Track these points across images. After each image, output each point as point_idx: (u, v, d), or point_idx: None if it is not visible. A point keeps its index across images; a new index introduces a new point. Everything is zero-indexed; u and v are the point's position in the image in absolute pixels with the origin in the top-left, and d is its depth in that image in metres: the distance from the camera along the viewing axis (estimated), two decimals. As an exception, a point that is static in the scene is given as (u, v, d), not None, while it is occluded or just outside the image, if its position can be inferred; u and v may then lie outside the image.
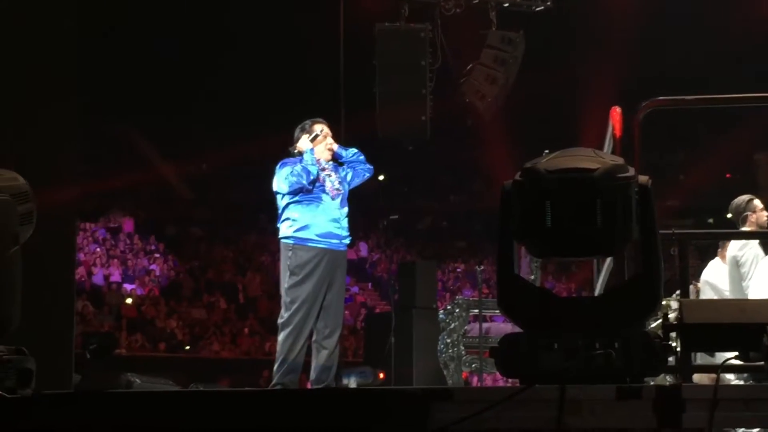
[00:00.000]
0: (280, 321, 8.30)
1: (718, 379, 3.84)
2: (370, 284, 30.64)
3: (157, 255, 28.71)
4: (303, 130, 8.55)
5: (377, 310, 25.34)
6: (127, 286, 26.77)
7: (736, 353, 4.15)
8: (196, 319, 26.28)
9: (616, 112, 6.61)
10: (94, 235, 28.31)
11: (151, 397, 4.23)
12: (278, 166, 8.40)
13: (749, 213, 9.00)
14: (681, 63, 23.25)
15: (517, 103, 14.92)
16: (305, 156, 8.29)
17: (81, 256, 26.16)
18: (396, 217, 16.87)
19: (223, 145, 28.61)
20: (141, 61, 26.16)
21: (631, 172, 4.03)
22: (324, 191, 8.32)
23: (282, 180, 8.30)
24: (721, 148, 28.16)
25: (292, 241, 8.23)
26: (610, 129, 6.72)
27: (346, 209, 8.43)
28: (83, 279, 25.43)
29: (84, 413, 3.87)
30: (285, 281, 8.22)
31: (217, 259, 29.29)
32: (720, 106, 9.15)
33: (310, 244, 8.19)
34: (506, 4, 15.63)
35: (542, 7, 15.86)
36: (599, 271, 7.21)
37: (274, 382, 8.11)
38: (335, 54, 14.57)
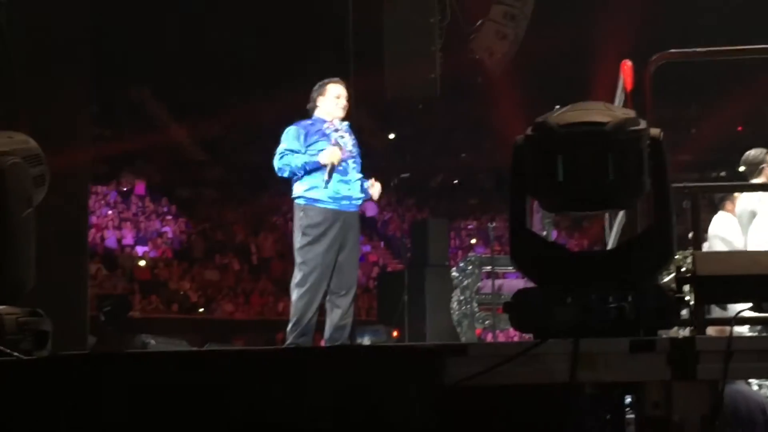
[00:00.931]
0: (293, 282, 8.32)
1: (732, 331, 3.84)
2: (382, 243, 30.67)
3: (169, 217, 28.75)
4: (319, 89, 8.55)
5: (389, 269, 25.35)
6: (140, 249, 26.83)
7: (750, 305, 4.16)
8: (209, 281, 26.35)
9: (627, 65, 6.58)
10: (106, 198, 28.34)
11: (168, 357, 4.25)
12: (286, 131, 8.44)
13: (766, 165, 8.93)
14: (692, 17, 23.11)
15: (527, 59, 14.88)
16: (308, 163, 8.23)
17: (93, 219, 26.20)
18: (407, 175, 16.86)
19: (235, 106, 28.56)
20: (152, 24, 26.08)
21: (643, 125, 4.02)
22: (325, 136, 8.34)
23: (278, 159, 8.32)
24: (733, 101, 28.05)
25: (303, 201, 8.23)
26: (620, 83, 6.70)
27: (357, 171, 8.43)
28: (96, 242, 25.49)
29: (101, 374, 3.89)
30: (297, 242, 8.24)
31: (230, 220, 29.32)
32: (731, 59, 9.08)
33: (321, 205, 8.19)
34: (515, -40, 15.57)
35: (551, -38, 15.81)
36: (611, 226, 7.21)
37: (288, 342, 8.16)
38: (344, 13, 14.52)
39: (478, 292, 13.28)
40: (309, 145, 8.29)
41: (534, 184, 4.10)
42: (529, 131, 4.09)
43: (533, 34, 15.28)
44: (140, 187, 29.37)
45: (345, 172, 8.31)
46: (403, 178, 16.35)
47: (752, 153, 8.99)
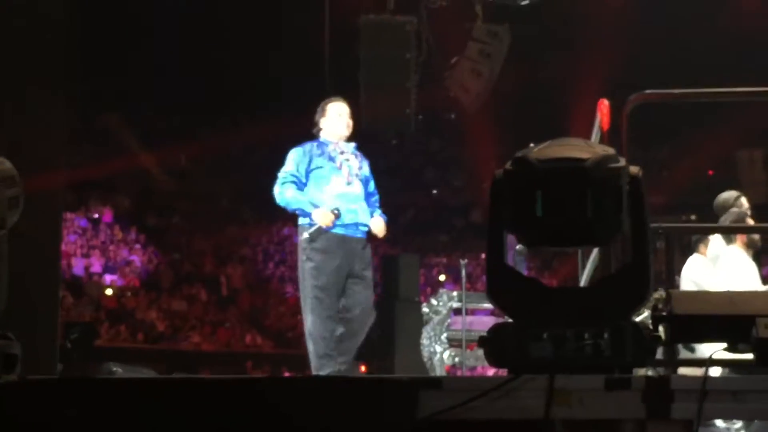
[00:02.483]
0: (303, 312, 7.90)
1: (707, 371, 3.84)
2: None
3: (137, 246, 28.64)
4: (320, 112, 8.26)
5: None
6: (108, 277, 26.70)
7: (725, 345, 4.15)
8: (176, 311, 26.24)
9: (604, 104, 6.60)
10: (75, 225, 28.21)
11: (136, 383, 4.21)
12: (289, 153, 8.12)
13: (734, 209, 9.00)
14: (669, 58, 23.29)
15: (503, 97, 14.92)
16: (303, 211, 7.92)
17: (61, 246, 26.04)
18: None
19: (205, 136, 28.54)
20: (124, 52, 26.08)
21: (622, 162, 4.03)
22: (339, 176, 8.00)
23: (279, 184, 8.00)
24: (704, 145, 28.24)
25: (307, 225, 7.88)
26: (597, 122, 6.71)
27: (362, 195, 8.05)
28: (63, 269, 25.32)
29: (69, 399, 3.84)
30: (301, 266, 7.89)
31: (199, 250, 29.23)
32: (705, 101, 9.14)
33: (325, 230, 7.80)
34: (492, -2, 15.65)
35: (528, 1, 15.88)
36: (584, 264, 7.21)
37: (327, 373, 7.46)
38: (320, 45, 14.55)
39: (448, 328, 13.24)
40: (312, 170, 7.98)
41: (512, 219, 4.09)
42: (508, 165, 4.08)
43: (509, 71, 15.33)
44: (108, 215, 29.25)
45: (353, 197, 7.98)
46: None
47: (723, 196, 9.07)
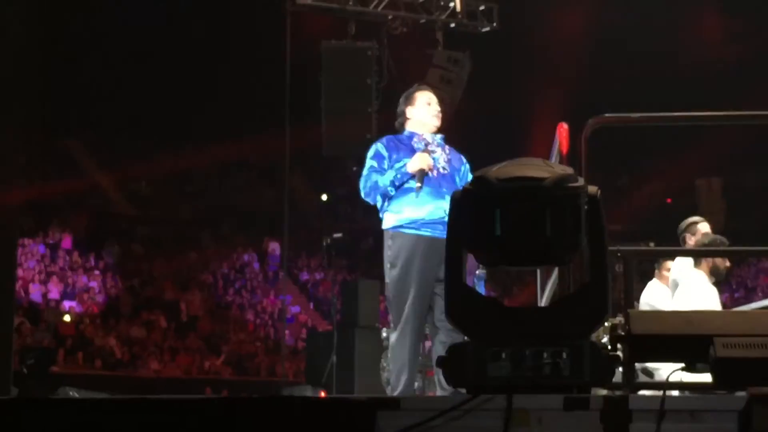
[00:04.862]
0: (389, 320, 7.32)
1: (665, 391, 3.83)
2: (312, 304, 30.55)
3: (96, 272, 28.44)
4: (406, 100, 7.50)
5: (319, 329, 25.27)
6: (66, 304, 26.49)
7: (682, 365, 4.15)
8: (135, 338, 26.04)
9: (563, 128, 6.60)
10: (33, 251, 28.00)
11: (94, 404, 4.16)
12: (370, 150, 7.35)
13: (687, 234, 9.08)
14: (626, 83, 23.49)
15: (463, 123, 14.94)
16: (396, 177, 7.13)
17: (19, 272, 25.85)
18: (339, 235, 16.82)
19: (165, 161, 28.45)
20: (86, 77, 26.00)
21: (581, 182, 4.03)
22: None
23: (363, 182, 7.25)
24: (663, 173, 28.45)
25: (391, 228, 7.17)
26: (556, 145, 6.72)
27: (449, 191, 6.90)
28: (21, 295, 25.13)
29: (26, 420, 3.80)
30: (386, 276, 7.15)
31: (158, 276, 29.07)
32: (665, 125, 9.20)
33: (409, 231, 7.07)
34: (453, 25, 15.76)
35: (488, 28, 15.99)
36: (543, 283, 7.21)
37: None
38: (281, 70, 14.57)
39: (408, 353, 13.21)
40: (394, 165, 7.21)
41: (471, 239, 4.07)
42: (467, 185, 4.08)
43: (470, 98, 15.41)
44: (67, 241, 29.05)
45: (439, 194, 7.11)
46: (335, 239, 16.28)
47: (683, 223, 9.17)
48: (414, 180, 7.12)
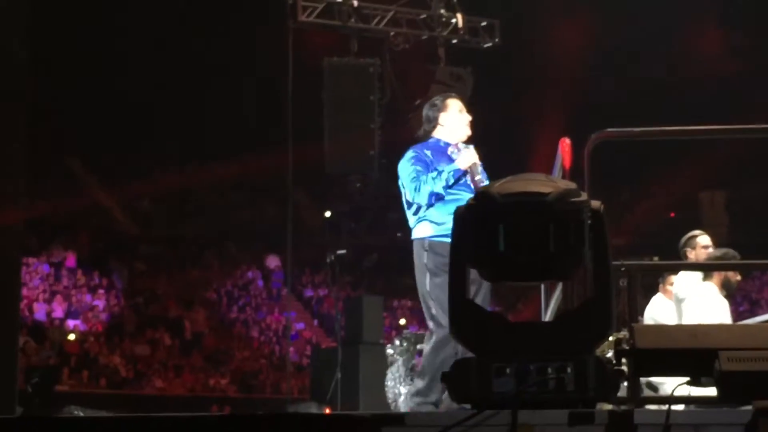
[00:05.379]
0: (430, 329, 7.13)
1: (670, 405, 3.83)
2: (316, 321, 30.51)
3: (100, 290, 28.44)
4: (438, 107, 7.27)
5: (323, 346, 25.23)
6: (70, 322, 26.48)
7: (687, 379, 4.15)
8: (139, 356, 26.03)
9: (566, 143, 6.60)
10: (37, 270, 28.00)
11: (98, 423, 4.16)
12: (408, 157, 7.14)
13: (688, 249, 9.05)
14: (628, 98, 23.51)
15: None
16: (450, 174, 6.96)
17: (23, 291, 25.89)
18: (344, 252, 16.81)
19: (168, 179, 28.47)
20: (87, 95, 26.03)
21: (584, 197, 4.03)
22: (466, 185, 7.04)
23: (413, 187, 7.03)
24: (666, 187, 28.43)
25: (428, 238, 6.99)
26: (558, 160, 6.71)
27: None
28: (25, 315, 25.14)
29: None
30: (426, 284, 6.98)
31: (162, 294, 29.07)
32: (667, 139, 9.19)
33: (447, 240, 6.53)
34: (454, 41, 15.76)
35: (490, 44, 16.00)
36: (547, 298, 7.19)
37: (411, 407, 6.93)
38: (284, 87, 14.59)
39: (413, 369, 13.18)
40: (436, 168, 7.04)
41: (474, 254, 4.07)
42: (471, 200, 4.08)
43: (472, 114, 15.41)
44: (71, 260, 29.06)
45: None
46: (339, 255, 16.27)
47: (684, 237, 9.15)
48: (466, 177, 6.99)
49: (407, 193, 7.12)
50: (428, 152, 7.11)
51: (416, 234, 7.16)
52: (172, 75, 25.81)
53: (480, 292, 6.61)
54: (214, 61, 25.61)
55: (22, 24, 10.42)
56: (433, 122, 7.24)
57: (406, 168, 7.11)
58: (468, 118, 7.26)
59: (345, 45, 15.02)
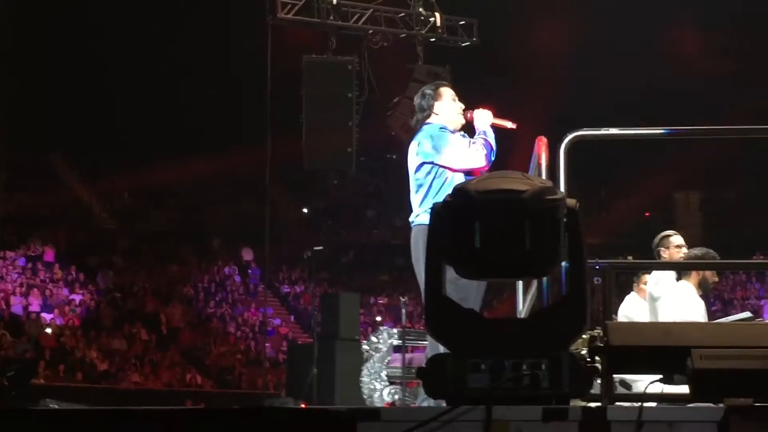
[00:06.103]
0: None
1: (642, 402, 3.86)
2: (292, 316, 30.51)
3: (77, 284, 28.37)
4: (431, 96, 7.16)
5: (300, 342, 25.24)
6: (47, 316, 26.40)
7: (660, 376, 4.18)
8: (116, 350, 25.98)
9: (542, 141, 6.63)
10: (14, 263, 27.91)
11: (74, 415, 4.17)
12: (433, 134, 6.95)
13: (661, 249, 9.09)
14: (606, 97, 23.57)
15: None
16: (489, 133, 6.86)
17: (0, 284, 25.88)
18: (320, 248, 16.84)
19: (146, 174, 28.41)
20: (67, 91, 25.97)
21: (560, 194, 4.06)
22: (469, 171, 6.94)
23: (453, 154, 6.85)
24: (641, 187, 28.53)
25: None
26: (534, 159, 6.74)
27: None
28: (2, 308, 25.09)
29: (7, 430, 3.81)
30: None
31: (139, 289, 29.00)
32: (643, 139, 9.25)
33: None
34: (433, 39, 15.81)
35: (468, 43, 16.05)
36: (523, 296, 7.23)
37: (418, 402, 6.85)
38: (263, 83, 14.60)
39: (388, 365, 13.21)
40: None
41: (450, 250, 4.10)
42: (447, 197, 4.11)
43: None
44: (49, 254, 28.98)
45: None
46: (316, 251, 16.31)
47: (657, 236, 9.19)
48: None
49: (453, 159, 6.91)
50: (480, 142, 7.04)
51: (421, 220, 6.97)
52: (151, 71, 25.78)
53: (475, 291, 6.59)
54: (193, 58, 25.58)
55: (1, 21, 10.42)
56: (427, 111, 7.13)
57: (443, 138, 6.94)
58: (461, 106, 7.18)
59: (324, 42, 15.06)
